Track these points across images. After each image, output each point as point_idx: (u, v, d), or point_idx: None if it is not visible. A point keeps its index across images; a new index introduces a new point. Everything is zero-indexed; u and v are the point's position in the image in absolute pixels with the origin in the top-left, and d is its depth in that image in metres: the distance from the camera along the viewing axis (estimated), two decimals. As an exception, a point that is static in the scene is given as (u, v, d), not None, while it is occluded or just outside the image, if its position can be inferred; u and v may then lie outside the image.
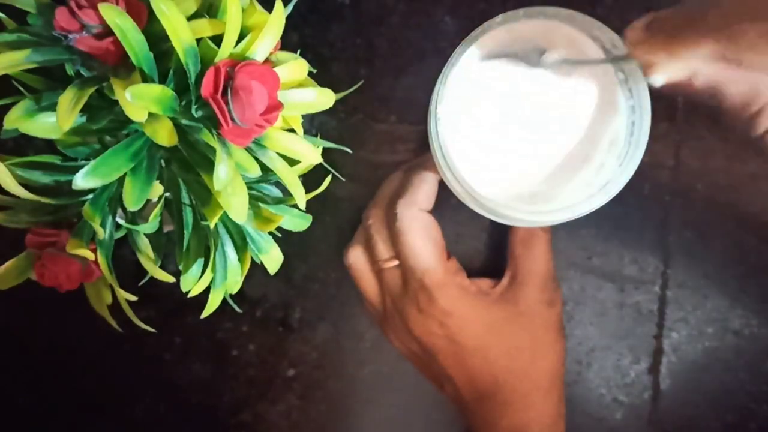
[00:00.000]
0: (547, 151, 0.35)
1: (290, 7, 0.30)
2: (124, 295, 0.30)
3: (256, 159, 0.28)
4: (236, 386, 0.45)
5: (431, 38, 0.43)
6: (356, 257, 0.40)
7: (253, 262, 0.32)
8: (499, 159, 0.35)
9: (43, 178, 0.29)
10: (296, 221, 0.33)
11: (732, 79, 0.26)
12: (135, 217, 0.31)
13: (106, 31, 0.25)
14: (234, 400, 0.45)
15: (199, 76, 0.26)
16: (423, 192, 0.38)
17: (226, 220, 0.31)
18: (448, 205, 0.40)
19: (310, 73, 0.30)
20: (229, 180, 0.26)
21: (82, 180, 0.25)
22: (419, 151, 0.43)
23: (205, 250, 0.31)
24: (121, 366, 0.45)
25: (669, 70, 0.26)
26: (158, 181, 0.28)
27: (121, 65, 0.26)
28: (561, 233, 0.43)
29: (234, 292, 0.32)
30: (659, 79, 0.27)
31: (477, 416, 0.38)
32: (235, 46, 0.26)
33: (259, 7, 0.28)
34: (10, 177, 0.27)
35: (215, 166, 0.25)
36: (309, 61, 0.30)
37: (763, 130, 0.27)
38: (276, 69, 0.27)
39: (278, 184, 0.34)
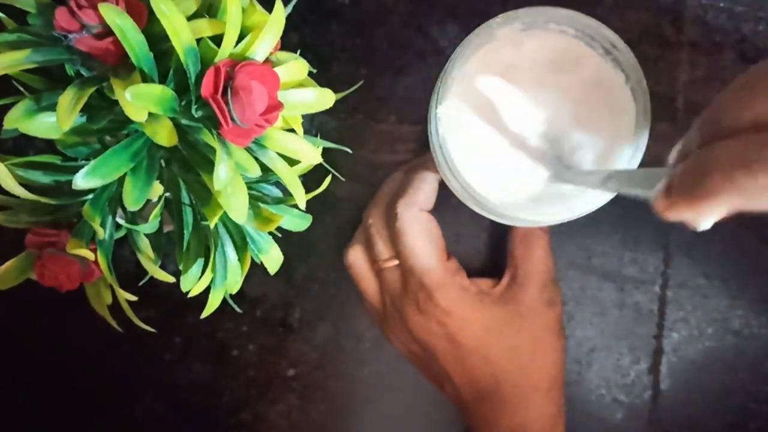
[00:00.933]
0: (547, 151, 0.35)
1: (290, 7, 0.30)
2: (124, 295, 0.30)
3: (256, 159, 0.28)
4: (236, 386, 0.45)
5: (431, 38, 0.43)
6: (356, 257, 0.40)
7: (253, 262, 0.32)
8: (499, 159, 0.35)
9: (43, 178, 0.29)
10: (296, 221, 0.33)
11: None
12: (135, 217, 0.31)
13: (106, 31, 0.25)
14: (234, 400, 0.45)
15: (199, 76, 0.26)
16: (423, 192, 0.38)
17: (226, 220, 0.31)
18: (448, 205, 0.40)
19: (310, 73, 0.30)
20: (229, 180, 0.26)
21: (82, 180, 0.26)
22: (419, 151, 0.43)
23: (205, 250, 0.31)
24: (121, 366, 0.45)
25: (708, 221, 0.25)
26: (158, 181, 0.28)
27: (121, 65, 0.26)
28: (561, 233, 0.43)
29: (234, 292, 0.32)
30: (706, 226, 0.24)
31: (477, 416, 0.38)
32: (235, 46, 0.26)
33: (259, 7, 0.28)
34: (10, 177, 0.27)
35: (215, 166, 0.25)
36: (309, 61, 0.30)
37: None
38: (276, 69, 0.27)
39: (278, 184, 0.34)
